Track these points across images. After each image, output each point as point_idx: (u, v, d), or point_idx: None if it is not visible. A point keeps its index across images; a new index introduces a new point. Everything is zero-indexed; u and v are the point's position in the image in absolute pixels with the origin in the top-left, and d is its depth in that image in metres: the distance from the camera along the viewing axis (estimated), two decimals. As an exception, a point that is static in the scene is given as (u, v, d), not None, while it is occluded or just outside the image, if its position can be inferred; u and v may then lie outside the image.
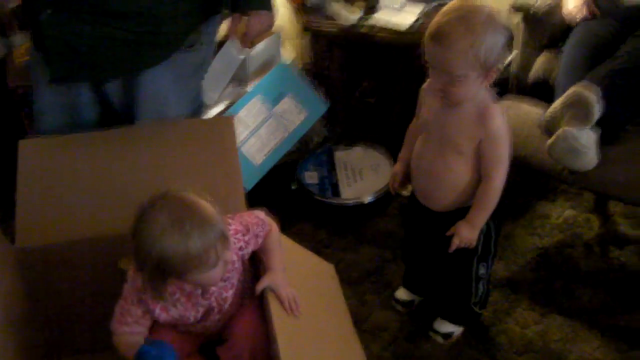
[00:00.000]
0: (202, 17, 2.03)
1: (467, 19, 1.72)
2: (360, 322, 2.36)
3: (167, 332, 1.75)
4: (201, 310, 1.73)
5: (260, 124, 2.67)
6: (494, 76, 1.81)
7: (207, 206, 1.55)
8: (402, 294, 2.45)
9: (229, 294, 1.74)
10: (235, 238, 1.69)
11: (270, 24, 2.03)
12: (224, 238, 1.55)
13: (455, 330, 2.32)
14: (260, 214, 1.79)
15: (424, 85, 2.02)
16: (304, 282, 1.84)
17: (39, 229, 1.92)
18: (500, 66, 1.81)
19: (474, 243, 2.02)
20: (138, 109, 2.07)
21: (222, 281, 1.69)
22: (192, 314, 1.72)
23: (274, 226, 1.79)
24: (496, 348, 2.30)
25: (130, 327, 1.72)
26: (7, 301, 1.81)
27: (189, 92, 2.15)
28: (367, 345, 2.27)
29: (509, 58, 3.38)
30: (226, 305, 1.76)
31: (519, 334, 2.34)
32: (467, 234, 1.98)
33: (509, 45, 3.05)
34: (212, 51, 2.21)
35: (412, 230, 2.31)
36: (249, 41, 2.05)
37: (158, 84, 2.04)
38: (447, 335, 2.31)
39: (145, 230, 1.49)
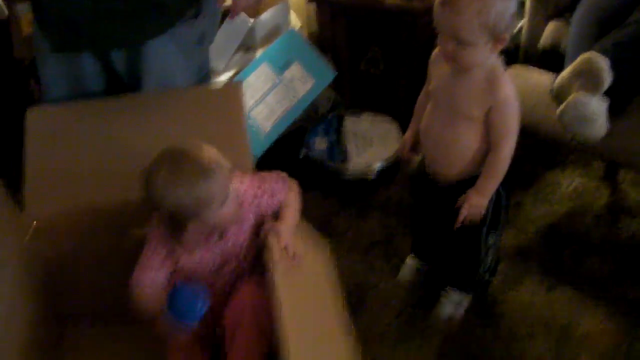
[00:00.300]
0: None
1: None
2: (368, 290, 2.37)
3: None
4: (218, 258, 1.79)
5: (268, 91, 2.67)
6: (503, 43, 1.79)
7: (205, 148, 1.62)
8: (410, 261, 2.46)
9: (244, 241, 1.80)
10: (246, 191, 1.76)
11: None
12: (227, 173, 1.62)
13: (464, 298, 2.32)
14: (281, 173, 1.83)
15: (434, 53, 2.01)
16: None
17: (48, 196, 1.92)
18: (510, 33, 1.79)
19: (483, 211, 2.01)
20: (144, 80, 2.06)
21: (236, 223, 1.76)
22: (210, 260, 1.79)
23: (294, 187, 1.83)
24: (503, 317, 2.31)
25: (154, 273, 1.79)
26: (17, 269, 1.81)
27: (194, 63, 2.14)
28: (378, 313, 2.28)
29: (518, 26, 3.37)
30: (241, 255, 1.81)
31: (527, 304, 2.35)
32: (476, 202, 1.97)
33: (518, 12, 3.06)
34: (216, 21, 2.20)
35: (419, 201, 2.30)
36: (235, 14, 2.02)
37: (163, 55, 2.02)
38: (456, 303, 2.32)
39: (152, 189, 1.58)
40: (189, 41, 2.07)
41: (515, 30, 3.37)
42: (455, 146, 1.97)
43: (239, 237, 1.79)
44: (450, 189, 2.04)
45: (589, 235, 2.61)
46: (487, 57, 1.82)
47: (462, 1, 1.70)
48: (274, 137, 2.64)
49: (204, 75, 2.21)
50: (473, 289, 2.33)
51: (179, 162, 1.58)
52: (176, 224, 1.67)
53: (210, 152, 1.62)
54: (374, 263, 2.52)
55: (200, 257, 1.79)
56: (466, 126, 1.93)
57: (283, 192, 1.80)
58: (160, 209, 1.64)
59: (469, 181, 2.00)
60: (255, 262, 1.87)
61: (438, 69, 1.98)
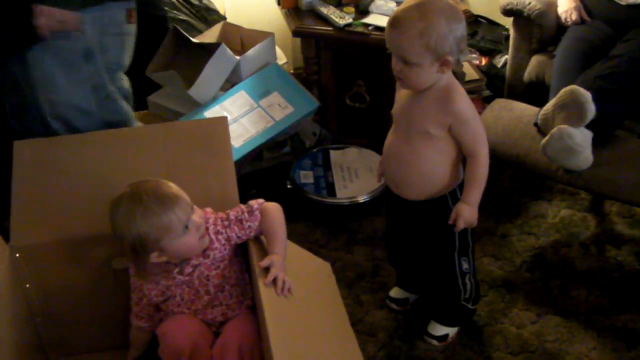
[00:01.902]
0: (76, 4, 2.06)
1: (423, 6, 1.76)
2: (355, 323, 2.36)
3: (182, 318, 1.86)
4: (187, 289, 1.84)
5: (243, 114, 2.74)
6: (449, 65, 1.83)
7: (163, 183, 1.72)
8: (396, 292, 2.45)
9: (213, 273, 1.84)
10: (213, 224, 1.82)
11: (62, 20, 2.03)
12: (184, 204, 1.70)
13: (450, 332, 2.31)
14: (252, 203, 1.85)
15: None
16: (300, 281, 1.84)
17: (33, 228, 1.94)
18: (455, 56, 1.83)
19: (475, 222, 2.01)
20: (34, 89, 2.11)
21: (203, 257, 1.81)
22: (177, 292, 1.84)
23: (270, 211, 1.83)
24: (491, 348, 2.29)
25: (137, 321, 1.93)
26: (1, 299, 1.81)
27: (81, 79, 2.18)
28: (362, 345, 2.26)
29: (502, 60, 3.41)
30: (211, 286, 1.85)
31: (515, 334, 2.33)
32: (467, 213, 1.97)
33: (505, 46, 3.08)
34: (118, 44, 2.26)
35: (392, 228, 2.31)
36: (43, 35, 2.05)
37: (42, 66, 2.08)
38: (442, 338, 2.30)
39: (114, 221, 1.69)
40: (70, 55, 2.12)
41: (500, 64, 3.41)
42: (414, 162, 1.99)
43: (206, 270, 1.83)
44: (416, 205, 2.06)
45: (576, 266, 2.60)
46: (434, 78, 1.86)
47: (405, 22, 1.77)
48: (244, 152, 2.68)
49: (105, 97, 2.25)
50: (458, 320, 2.32)
51: (138, 195, 1.67)
52: (139, 258, 1.74)
53: (168, 186, 1.72)
54: (360, 295, 2.50)
55: (166, 287, 1.84)
56: (423, 144, 1.95)
57: (254, 219, 1.82)
58: (123, 241, 1.71)
59: (434, 201, 2.02)
60: (241, 297, 1.91)
61: (400, 93, 2.03)
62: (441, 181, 1.99)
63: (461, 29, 1.80)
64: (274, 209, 1.84)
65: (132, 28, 2.29)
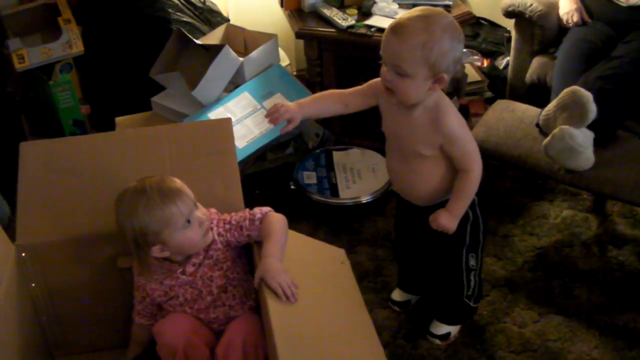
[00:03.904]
0: None
1: (429, 19, 1.74)
2: (358, 322, 2.37)
3: (176, 316, 1.87)
4: (190, 290, 1.86)
5: (247, 115, 2.76)
6: (442, 84, 1.80)
7: (168, 178, 1.76)
8: (397, 295, 2.46)
9: (216, 274, 1.85)
10: (216, 225, 1.85)
11: None
12: (187, 198, 1.73)
13: (452, 330, 2.32)
14: (256, 211, 1.86)
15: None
16: (313, 270, 1.86)
17: (38, 227, 1.95)
18: (450, 76, 1.80)
19: (452, 230, 1.99)
20: None
21: (205, 258, 1.83)
22: (180, 292, 1.86)
23: (271, 220, 1.84)
24: (494, 347, 2.30)
25: (139, 318, 1.97)
26: (7, 298, 1.82)
27: None
28: (366, 344, 2.28)
29: (504, 62, 3.42)
30: (214, 287, 1.86)
31: (517, 334, 2.34)
32: (444, 221, 1.96)
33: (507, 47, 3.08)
34: None
35: (401, 225, 2.32)
36: None
37: None
38: (444, 337, 2.31)
39: (118, 211, 1.74)
40: None
41: (502, 66, 3.43)
42: (414, 180, 2.01)
43: (209, 270, 1.85)
44: (426, 209, 2.06)
45: (578, 266, 2.61)
46: (424, 94, 1.82)
47: (409, 30, 1.73)
48: (248, 153, 2.70)
49: None
50: (459, 318, 2.33)
51: (142, 188, 1.71)
52: (141, 253, 1.76)
53: (172, 180, 1.75)
54: (363, 295, 2.49)
55: (170, 287, 1.86)
56: (419, 163, 1.96)
57: (254, 229, 1.83)
58: (126, 233, 1.73)
59: (444, 203, 2.01)
60: (244, 299, 1.92)
61: (387, 105, 1.98)
62: (446, 189, 1.99)
63: (460, 49, 1.78)
64: (277, 219, 1.85)
65: None
